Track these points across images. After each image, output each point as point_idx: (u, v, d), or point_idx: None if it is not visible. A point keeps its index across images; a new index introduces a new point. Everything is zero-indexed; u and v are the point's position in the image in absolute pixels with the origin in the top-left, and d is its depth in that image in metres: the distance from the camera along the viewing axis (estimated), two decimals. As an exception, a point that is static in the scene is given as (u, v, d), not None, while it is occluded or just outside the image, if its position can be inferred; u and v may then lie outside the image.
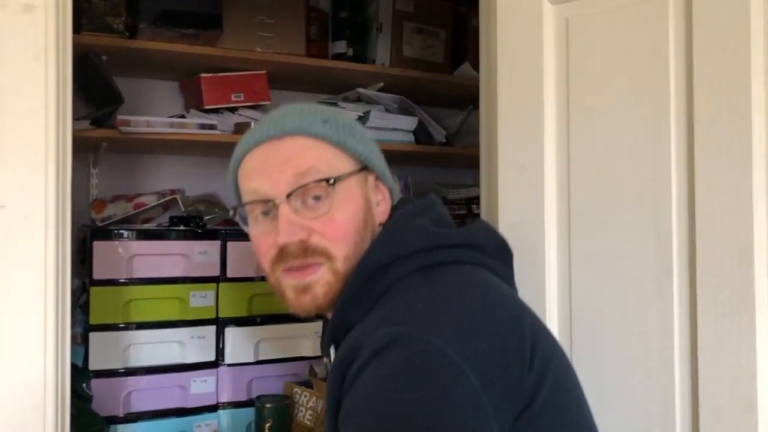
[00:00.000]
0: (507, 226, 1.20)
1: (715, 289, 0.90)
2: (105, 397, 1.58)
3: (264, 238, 0.84)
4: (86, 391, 1.57)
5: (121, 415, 1.60)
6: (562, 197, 1.11)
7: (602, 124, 1.05)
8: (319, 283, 0.82)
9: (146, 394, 1.63)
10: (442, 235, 0.84)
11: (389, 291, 0.80)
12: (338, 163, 0.85)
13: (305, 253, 0.81)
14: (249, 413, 1.72)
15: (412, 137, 2.01)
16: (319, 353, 1.83)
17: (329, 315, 0.86)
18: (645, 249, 0.99)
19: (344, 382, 0.73)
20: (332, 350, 0.85)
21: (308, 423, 1.66)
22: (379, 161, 0.92)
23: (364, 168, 0.88)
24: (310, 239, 0.82)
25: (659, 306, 0.97)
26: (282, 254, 0.82)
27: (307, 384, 1.75)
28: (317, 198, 0.83)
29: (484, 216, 1.32)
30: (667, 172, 0.97)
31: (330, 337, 0.85)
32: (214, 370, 1.70)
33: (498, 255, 0.89)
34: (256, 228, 0.85)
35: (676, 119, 0.96)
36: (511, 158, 1.18)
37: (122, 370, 1.61)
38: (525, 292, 1.15)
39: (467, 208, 2.21)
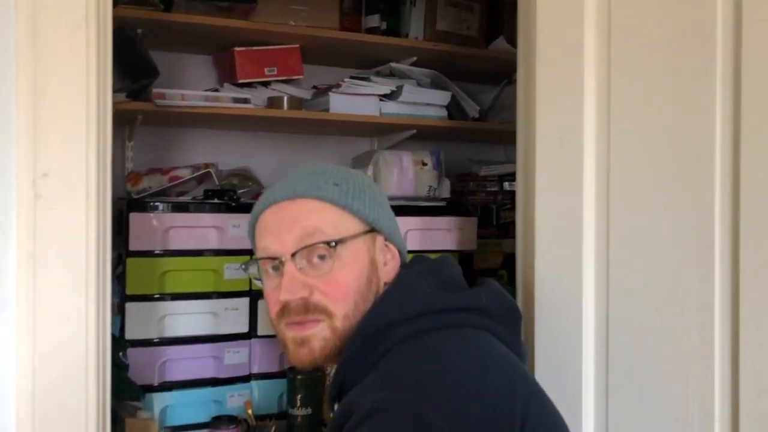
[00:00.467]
0: (544, 201, 1.18)
1: (758, 264, 0.88)
2: (141, 366, 1.61)
3: (273, 292, 0.89)
4: (122, 359, 1.60)
5: (156, 384, 1.63)
6: (601, 170, 1.09)
7: (644, 96, 1.03)
8: (317, 337, 0.86)
9: (181, 363, 1.66)
10: (443, 299, 0.86)
11: (389, 353, 0.82)
12: (344, 225, 0.89)
13: (306, 310, 0.86)
14: (281, 384, 1.74)
15: (444, 112, 1.99)
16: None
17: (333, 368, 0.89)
18: (686, 223, 0.97)
19: None
20: (336, 406, 0.88)
21: (339, 395, 1.68)
22: (389, 222, 0.96)
23: (372, 229, 0.92)
24: (312, 297, 0.86)
25: (700, 282, 0.95)
26: (284, 310, 0.87)
27: (338, 357, 1.77)
28: (322, 257, 0.87)
29: (519, 192, 1.31)
30: (711, 144, 0.94)
31: (333, 395, 0.88)
32: (247, 341, 1.72)
33: (503, 318, 0.90)
34: (267, 281, 0.91)
35: (722, 90, 0.93)
36: (549, 131, 1.16)
37: (157, 340, 1.64)
38: (561, 266, 1.15)
39: (499, 185, 2.20)
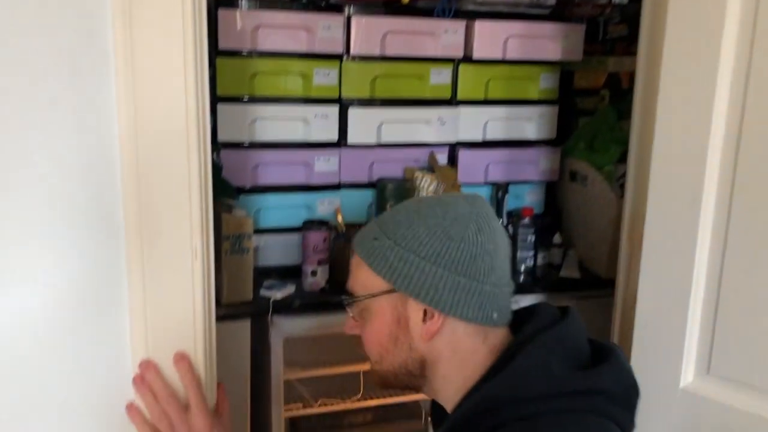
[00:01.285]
0: (674, 42, 1.05)
1: None
2: (233, 168, 1.62)
3: None
4: (216, 160, 1.61)
5: (249, 187, 1.65)
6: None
7: None
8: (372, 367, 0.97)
9: (272, 168, 1.66)
10: (567, 381, 0.82)
11: (505, 426, 0.81)
12: (370, 282, 0.91)
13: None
14: (369, 194, 1.73)
15: None
16: (441, 140, 1.78)
17: (430, 395, 0.95)
18: None
19: None
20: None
21: (429, 206, 1.65)
22: (444, 289, 0.86)
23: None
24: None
25: None
26: None
27: (428, 169, 1.73)
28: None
29: (644, 31, 1.16)
30: None
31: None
32: (337, 150, 1.70)
33: (623, 401, 0.85)
34: None
35: None
36: None
37: (248, 144, 1.64)
38: (691, 85, 1.03)
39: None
